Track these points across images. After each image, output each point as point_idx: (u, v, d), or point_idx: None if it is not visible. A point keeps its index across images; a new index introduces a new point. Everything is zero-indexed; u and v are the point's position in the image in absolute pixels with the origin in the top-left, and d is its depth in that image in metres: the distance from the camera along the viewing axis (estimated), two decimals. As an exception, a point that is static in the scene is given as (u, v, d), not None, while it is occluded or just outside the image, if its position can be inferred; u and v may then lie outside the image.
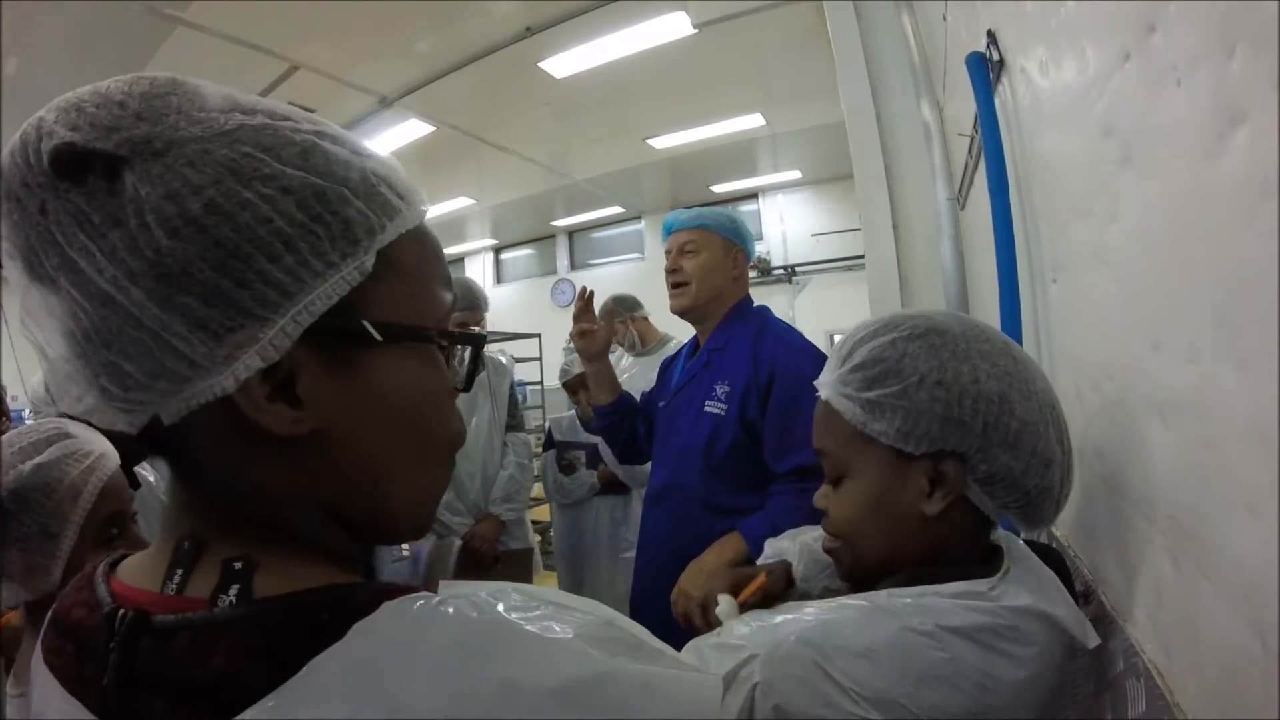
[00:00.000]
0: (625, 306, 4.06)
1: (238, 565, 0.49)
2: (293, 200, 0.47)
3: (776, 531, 1.52)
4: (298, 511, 0.53)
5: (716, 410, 1.97)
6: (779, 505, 1.86)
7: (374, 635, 0.42)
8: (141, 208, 0.44)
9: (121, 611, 0.49)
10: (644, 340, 4.07)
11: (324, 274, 0.48)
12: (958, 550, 0.91)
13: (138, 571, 0.55)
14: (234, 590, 0.48)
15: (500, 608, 0.45)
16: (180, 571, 0.50)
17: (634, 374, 3.72)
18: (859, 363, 0.90)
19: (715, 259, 2.10)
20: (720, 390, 1.98)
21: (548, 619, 0.45)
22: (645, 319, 4.10)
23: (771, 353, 1.96)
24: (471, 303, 3.13)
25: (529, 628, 0.44)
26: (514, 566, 3.15)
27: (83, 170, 0.45)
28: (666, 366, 2.37)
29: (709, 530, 1.90)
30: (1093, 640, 0.84)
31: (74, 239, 0.45)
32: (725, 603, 1.02)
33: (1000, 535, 0.95)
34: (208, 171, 0.46)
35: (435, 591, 0.47)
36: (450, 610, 0.43)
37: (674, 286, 2.14)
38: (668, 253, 2.16)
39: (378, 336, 0.52)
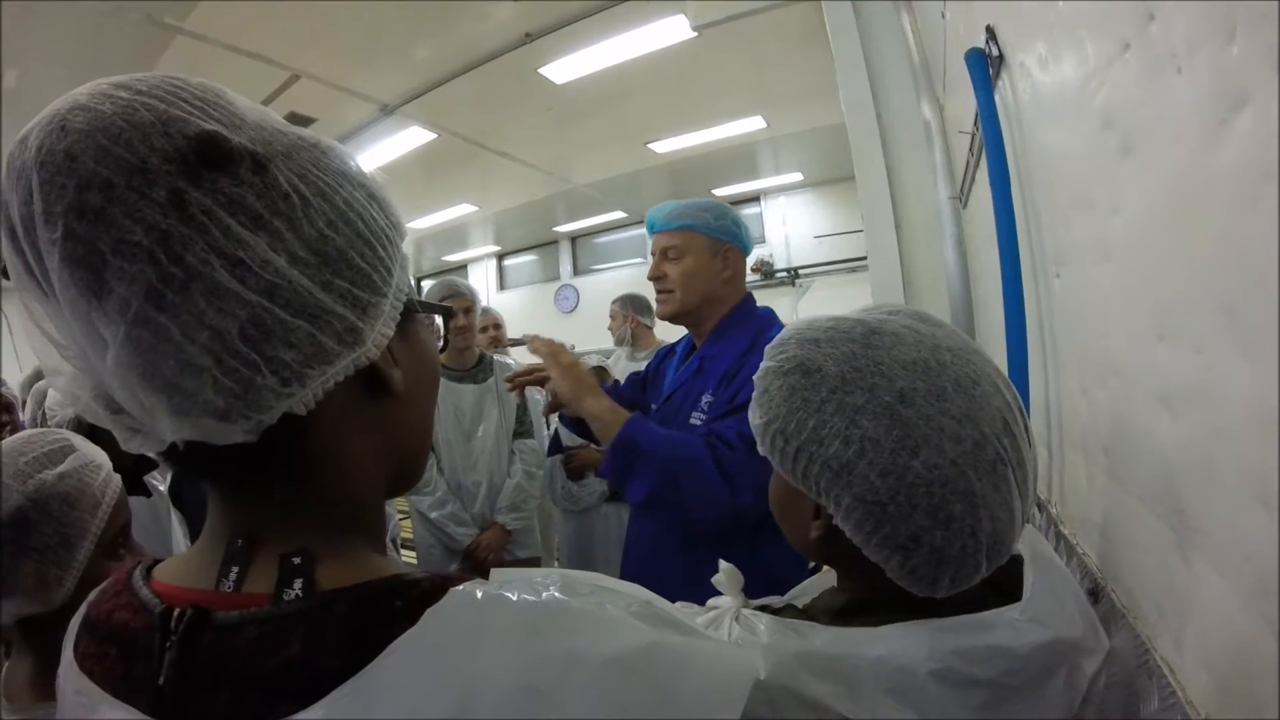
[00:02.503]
0: (631, 305, 4.25)
1: (297, 560, 0.51)
2: (377, 204, 0.56)
3: (653, 443, 1.62)
4: (376, 476, 0.60)
5: (699, 423, 1.82)
6: (681, 436, 1.70)
7: (446, 619, 0.46)
8: (304, 201, 0.50)
9: (178, 611, 0.50)
10: (636, 343, 4.27)
11: (398, 259, 0.58)
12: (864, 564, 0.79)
13: (182, 572, 0.56)
14: (298, 584, 0.50)
15: (554, 590, 0.49)
16: (235, 569, 0.52)
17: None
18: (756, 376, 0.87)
19: (701, 262, 1.92)
20: (705, 401, 1.83)
21: (598, 599, 0.50)
22: (646, 326, 4.18)
23: (757, 361, 1.67)
24: (454, 291, 3.31)
25: (583, 606, 0.49)
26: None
27: (234, 161, 0.47)
28: (662, 358, 2.22)
29: (688, 550, 1.76)
30: (1103, 646, 0.81)
31: (228, 229, 0.46)
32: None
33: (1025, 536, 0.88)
34: (330, 176, 0.53)
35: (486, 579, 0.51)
36: (512, 595, 0.48)
37: (659, 293, 1.99)
38: (653, 254, 2.00)
39: (418, 308, 0.63)
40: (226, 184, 0.47)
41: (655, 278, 1.96)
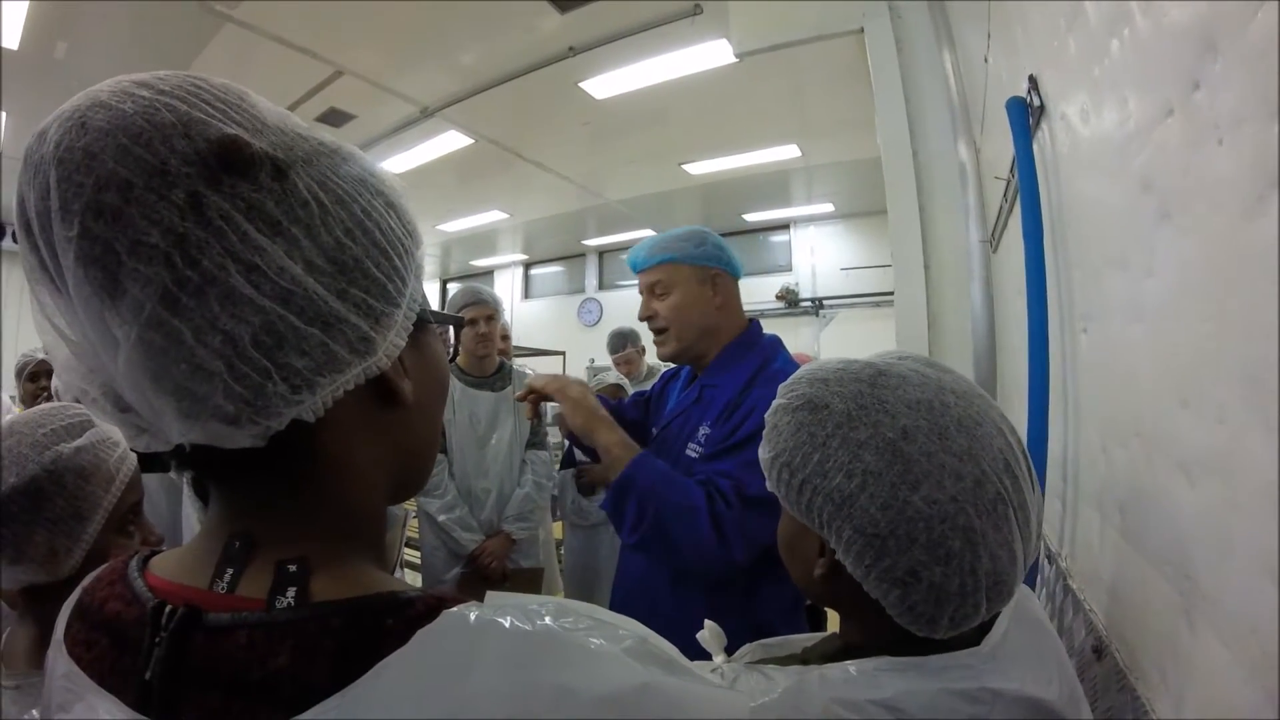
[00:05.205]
0: (630, 340, 4.70)
1: (293, 568, 0.50)
2: (395, 212, 0.56)
3: (653, 484, 1.55)
4: (379, 484, 0.60)
5: (694, 454, 1.72)
6: (683, 481, 1.60)
7: (438, 641, 0.45)
8: (322, 208, 0.50)
9: (170, 607, 0.49)
10: (632, 368, 4.65)
11: (414, 269, 0.57)
12: (864, 604, 0.79)
13: (177, 568, 0.55)
14: (292, 592, 0.49)
15: (549, 620, 0.48)
16: (231, 571, 0.51)
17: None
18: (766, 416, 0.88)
19: (689, 294, 1.80)
20: (702, 434, 1.73)
21: (592, 633, 0.48)
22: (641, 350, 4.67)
23: (759, 395, 1.65)
24: (477, 299, 3.22)
25: (577, 639, 0.47)
26: (522, 586, 3.11)
27: (254, 166, 0.47)
28: (668, 380, 2.14)
29: (676, 588, 1.69)
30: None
31: (245, 234, 0.46)
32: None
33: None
34: (349, 183, 0.53)
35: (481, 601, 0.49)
36: (506, 622, 0.46)
37: (655, 333, 1.87)
38: (640, 294, 1.89)
39: (430, 319, 0.62)
40: (246, 189, 0.46)
41: (646, 317, 1.86)
